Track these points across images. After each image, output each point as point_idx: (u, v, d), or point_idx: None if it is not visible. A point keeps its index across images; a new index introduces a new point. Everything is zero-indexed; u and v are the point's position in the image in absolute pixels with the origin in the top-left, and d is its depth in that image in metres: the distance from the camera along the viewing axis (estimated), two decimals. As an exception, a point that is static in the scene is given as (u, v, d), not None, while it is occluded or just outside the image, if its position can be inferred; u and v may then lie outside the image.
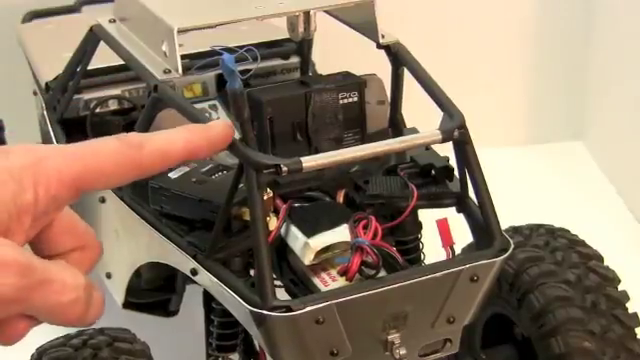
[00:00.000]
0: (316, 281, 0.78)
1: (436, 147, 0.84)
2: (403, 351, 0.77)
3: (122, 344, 0.89)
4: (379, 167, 0.88)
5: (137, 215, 0.86)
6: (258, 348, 0.92)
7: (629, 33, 1.52)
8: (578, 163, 1.67)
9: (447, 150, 0.83)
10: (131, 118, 1.06)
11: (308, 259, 0.78)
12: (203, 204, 0.81)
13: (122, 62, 0.92)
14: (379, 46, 0.91)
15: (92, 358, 0.87)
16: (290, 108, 0.85)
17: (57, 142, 1.05)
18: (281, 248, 0.82)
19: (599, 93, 1.66)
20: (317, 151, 0.84)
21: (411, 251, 0.88)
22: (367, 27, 0.90)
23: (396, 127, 0.93)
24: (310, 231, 0.79)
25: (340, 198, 0.86)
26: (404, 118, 0.94)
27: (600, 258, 0.97)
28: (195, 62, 0.93)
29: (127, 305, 0.98)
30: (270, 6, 0.86)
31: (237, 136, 0.70)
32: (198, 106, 0.96)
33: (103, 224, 0.97)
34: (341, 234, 0.79)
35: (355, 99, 0.87)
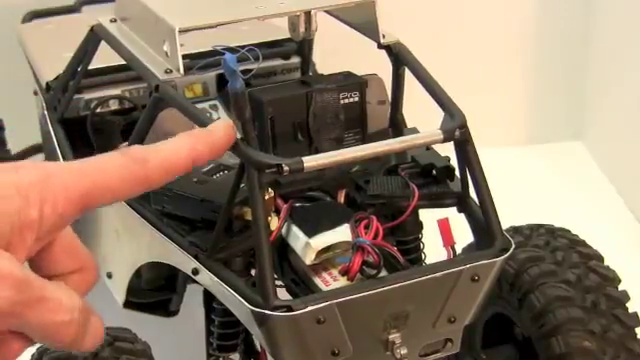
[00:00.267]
0: (317, 281, 0.78)
1: (437, 147, 0.84)
2: (404, 351, 0.77)
3: (123, 344, 0.89)
4: (380, 167, 0.88)
5: (138, 215, 0.86)
6: (259, 348, 0.92)
7: (629, 33, 1.53)
8: (578, 163, 1.67)
9: (448, 150, 0.83)
10: (132, 118, 1.06)
11: (309, 259, 0.78)
12: (204, 204, 0.81)
13: (123, 62, 0.92)
14: (380, 46, 0.91)
15: (93, 358, 0.87)
16: (291, 108, 0.85)
17: (57, 142, 1.05)
18: (282, 248, 0.82)
19: (599, 93, 1.66)
20: (318, 151, 0.84)
21: (412, 251, 0.88)
22: (368, 27, 0.90)
23: (397, 127, 0.93)
24: (311, 231, 0.79)
25: (341, 198, 0.86)
26: (405, 118, 0.94)
27: (600, 258, 0.97)
28: (196, 62, 0.93)
29: (128, 305, 0.98)
30: (271, 6, 0.86)
31: (238, 136, 0.70)
32: (199, 106, 0.96)
33: (104, 224, 0.98)
34: (342, 234, 0.79)
35: (356, 99, 0.87)
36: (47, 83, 1.12)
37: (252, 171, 0.72)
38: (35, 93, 1.20)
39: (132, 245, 0.92)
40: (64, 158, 1.03)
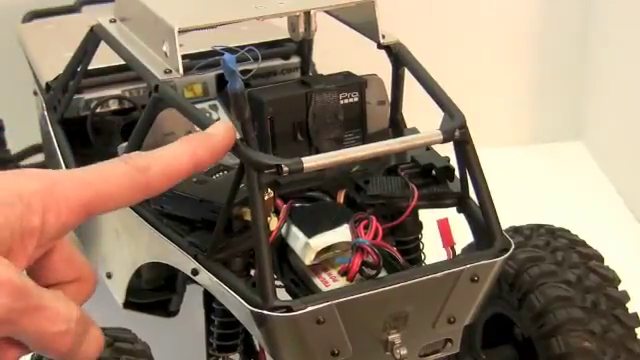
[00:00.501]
0: (317, 281, 0.78)
1: (436, 147, 0.84)
2: (404, 351, 0.77)
3: (123, 344, 0.89)
4: (380, 167, 0.88)
5: (138, 215, 0.86)
6: (258, 348, 0.93)
7: (628, 33, 1.53)
8: (578, 163, 1.67)
9: (448, 150, 0.83)
10: (131, 118, 1.06)
11: (309, 259, 0.78)
12: (204, 204, 0.81)
13: (123, 62, 0.92)
14: (380, 46, 0.91)
15: None
16: (291, 108, 0.85)
17: (57, 142, 1.05)
18: (282, 248, 0.82)
19: (599, 93, 1.66)
20: (318, 151, 0.84)
21: (412, 251, 0.88)
22: (368, 27, 0.90)
23: (397, 127, 0.93)
24: (311, 231, 0.79)
25: (341, 198, 0.86)
26: (404, 118, 0.94)
27: (600, 258, 0.97)
28: (196, 62, 0.93)
29: (127, 305, 0.98)
30: (270, 6, 0.86)
31: (238, 136, 0.70)
32: (198, 106, 0.96)
33: (104, 224, 0.98)
34: (342, 234, 0.79)
35: (356, 99, 0.87)
36: (47, 83, 1.12)
37: (252, 171, 0.72)
38: (35, 93, 1.20)
39: (132, 245, 0.92)
40: (64, 158, 1.03)
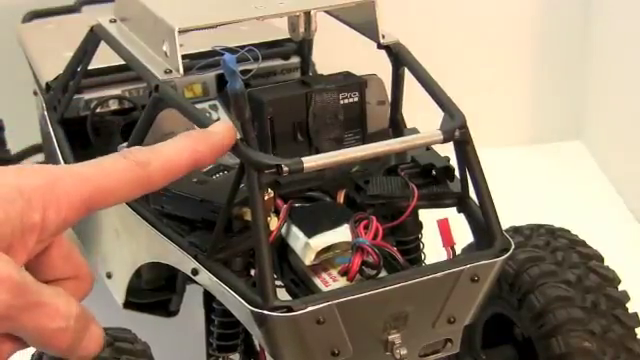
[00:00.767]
0: (317, 281, 0.78)
1: (436, 147, 0.84)
2: (404, 351, 0.77)
3: (123, 344, 0.89)
4: (380, 167, 0.88)
5: (138, 215, 0.86)
6: (258, 348, 0.93)
7: (628, 33, 1.53)
8: (578, 163, 1.67)
9: (448, 150, 0.83)
10: (132, 118, 1.06)
11: (309, 259, 0.78)
12: (204, 204, 0.81)
13: (123, 62, 0.92)
14: (380, 46, 0.91)
15: (92, 358, 0.87)
16: (291, 108, 0.85)
17: (57, 142, 1.05)
18: (282, 248, 0.82)
19: (599, 93, 1.66)
20: (318, 151, 0.84)
21: (412, 251, 0.88)
22: (368, 27, 0.90)
23: (397, 127, 0.93)
24: (311, 231, 0.79)
25: (341, 198, 0.86)
26: (404, 118, 0.94)
27: (600, 258, 0.97)
28: (196, 62, 0.93)
29: (128, 305, 0.98)
30: (271, 6, 0.86)
31: (238, 136, 0.70)
32: (199, 106, 0.96)
33: (104, 223, 0.98)
34: (342, 234, 0.79)
35: (356, 99, 0.87)
36: (47, 83, 1.12)
37: (252, 171, 0.72)
38: (35, 93, 1.20)
39: (132, 245, 0.92)
40: (64, 158, 1.03)
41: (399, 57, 0.90)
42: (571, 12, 1.65)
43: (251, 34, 1.09)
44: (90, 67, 1.03)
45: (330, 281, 0.78)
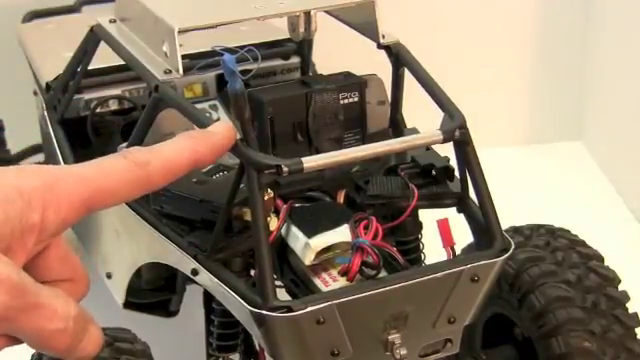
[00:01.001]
0: (317, 281, 0.78)
1: (436, 147, 0.84)
2: (404, 351, 0.77)
3: (123, 344, 0.89)
4: (379, 167, 0.88)
5: (137, 215, 0.86)
6: (258, 348, 0.92)
7: (628, 33, 1.53)
8: (578, 163, 1.67)
9: (448, 150, 0.83)
10: (131, 118, 1.06)
11: (309, 259, 0.78)
12: (204, 204, 0.81)
13: (123, 62, 0.92)
14: (380, 46, 0.91)
15: (92, 358, 0.87)
16: (291, 108, 0.85)
17: (57, 142, 1.05)
18: (282, 248, 0.82)
19: (599, 93, 1.66)
20: (318, 151, 0.84)
21: (412, 251, 0.88)
22: (368, 27, 0.90)
23: (397, 127, 0.93)
24: (311, 231, 0.79)
25: (340, 198, 0.86)
26: (404, 118, 0.94)
27: (600, 258, 0.97)
28: (196, 62, 0.93)
29: (127, 305, 0.98)
30: (271, 6, 0.86)
31: (238, 136, 0.70)
32: (198, 106, 0.96)
33: (104, 224, 0.98)
34: (342, 234, 0.79)
35: (356, 99, 0.87)
36: (47, 83, 1.12)
37: (251, 172, 0.72)
38: (35, 93, 1.20)
39: (132, 245, 0.92)
40: (64, 159, 1.03)
41: (399, 57, 0.90)
42: (571, 12, 1.65)
43: (251, 34, 1.09)
44: (90, 67, 1.03)
45: (330, 281, 0.78)
